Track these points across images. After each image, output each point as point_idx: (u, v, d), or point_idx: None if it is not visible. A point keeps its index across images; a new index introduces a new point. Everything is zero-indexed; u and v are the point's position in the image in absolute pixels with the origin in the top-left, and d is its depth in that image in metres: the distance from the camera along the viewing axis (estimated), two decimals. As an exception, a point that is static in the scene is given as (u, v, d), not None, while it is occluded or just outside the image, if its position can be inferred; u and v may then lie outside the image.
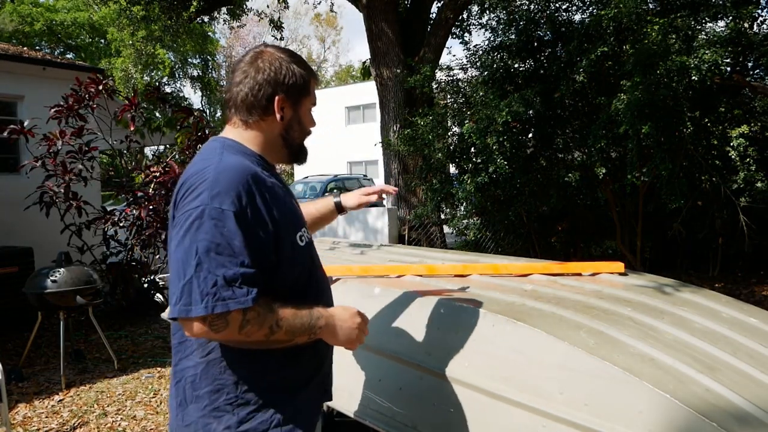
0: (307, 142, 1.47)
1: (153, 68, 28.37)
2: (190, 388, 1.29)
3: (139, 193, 5.97)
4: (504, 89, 6.32)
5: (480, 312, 1.82)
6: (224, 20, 12.39)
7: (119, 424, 3.58)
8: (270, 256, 1.25)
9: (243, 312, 1.17)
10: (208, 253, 1.16)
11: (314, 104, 1.44)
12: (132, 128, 5.85)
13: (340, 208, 1.90)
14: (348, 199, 1.90)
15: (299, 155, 1.45)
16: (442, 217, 7.96)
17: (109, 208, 6.19)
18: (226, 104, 1.41)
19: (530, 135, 6.49)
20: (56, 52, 27.33)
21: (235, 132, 1.37)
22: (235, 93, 1.35)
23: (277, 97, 1.33)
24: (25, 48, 9.98)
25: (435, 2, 9.19)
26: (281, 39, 11.69)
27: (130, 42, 12.91)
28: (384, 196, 2.01)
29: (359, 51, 59.12)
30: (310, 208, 1.85)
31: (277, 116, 1.35)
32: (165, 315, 1.10)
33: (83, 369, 4.62)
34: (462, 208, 7.11)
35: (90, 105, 5.66)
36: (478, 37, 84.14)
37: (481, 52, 6.84)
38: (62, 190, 5.43)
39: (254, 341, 1.23)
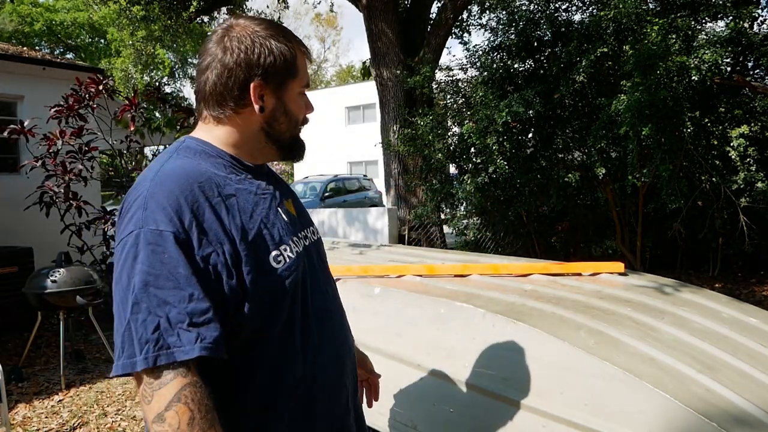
0: (304, 134, 1.20)
1: (153, 68, 28.34)
2: None
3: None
4: (504, 89, 6.32)
5: (480, 312, 1.82)
6: (224, 20, 12.36)
7: (119, 425, 3.58)
8: (231, 283, 0.97)
9: (187, 368, 0.90)
10: (146, 288, 0.90)
11: (306, 85, 1.15)
12: (132, 128, 5.84)
13: None
14: None
15: (292, 151, 1.18)
16: (442, 217, 7.96)
17: (109, 208, 6.18)
18: (195, 96, 1.15)
19: (530, 135, 6.49)
20: (56, 52, 27.34)
21: (204, 129, 1.12)
22: (202, 82, 1.10)
23: (252, 84, 1.07)
24: (25, 48, 9.98)
25: (435, 2, 9.20)
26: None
27: (130, 42, 12.89)
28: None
29: (359, 51, 59.23)
30: None
31: (256, 107, 1.08)
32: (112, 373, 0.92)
33: (83, 369, 4.62)
34: (462, 208, 7.11)
35: (90, 105, 5.66)
36: (478, 38, 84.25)
37: (480, 52, 6.84)
38: (62, 190, 5.42)
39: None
